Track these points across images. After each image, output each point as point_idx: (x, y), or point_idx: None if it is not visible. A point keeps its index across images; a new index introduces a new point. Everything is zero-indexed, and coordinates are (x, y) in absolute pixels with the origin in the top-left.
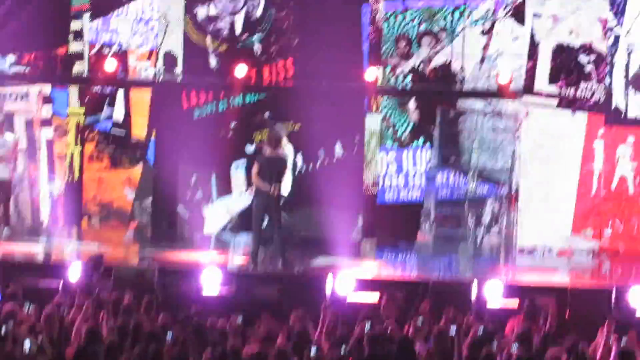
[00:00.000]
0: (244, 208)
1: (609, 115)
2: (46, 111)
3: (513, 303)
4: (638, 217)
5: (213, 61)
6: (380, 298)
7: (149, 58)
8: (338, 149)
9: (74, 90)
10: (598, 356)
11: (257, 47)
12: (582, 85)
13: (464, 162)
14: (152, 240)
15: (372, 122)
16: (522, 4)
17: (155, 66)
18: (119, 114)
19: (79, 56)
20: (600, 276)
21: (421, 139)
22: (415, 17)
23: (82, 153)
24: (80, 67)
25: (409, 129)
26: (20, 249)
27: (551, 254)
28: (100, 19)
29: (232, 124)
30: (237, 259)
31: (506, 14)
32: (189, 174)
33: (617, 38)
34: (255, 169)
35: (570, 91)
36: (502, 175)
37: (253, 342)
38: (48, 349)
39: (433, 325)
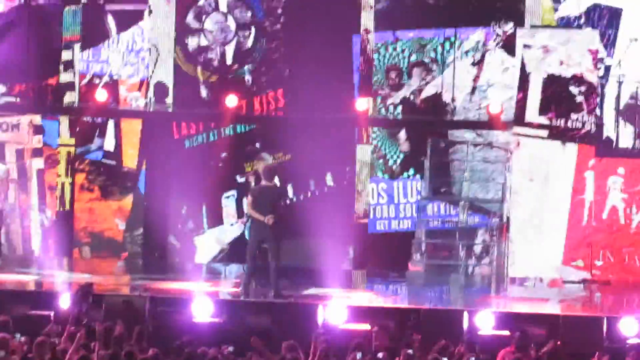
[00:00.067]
0: (235, 238)
1: (600, 146)
2: (37, 141)
3: (504, 333)
4: (629, 247)
5: (204, 91)
6: (372, 328)
7: (139, 88)
8: (329, 180)
9: (64, 121)
10: None
11: (248, 78)
12: (573, 116)
13: (455, 192)
14: (143, 270)
15: (363, 153)
16: (513, 35)
17: (146, 96)
18: (109, 144)
19: (70, 86)
20: (592, 306)
21: (412, 170)
22: (405, 48)
23: (72, 183)
24: (71, 98)
25: (400, 159)
26: (11, 278)
27: (542, 284)
28: (91, 50)
29: (223, 155)
30: (229, 288)
31: (496, 45)
32: (180, 204)
33: (607, 69)
34: (249, 200)
35: (561, 122)
36: (493, 206)
37: None
38: None
39: (424, 357)
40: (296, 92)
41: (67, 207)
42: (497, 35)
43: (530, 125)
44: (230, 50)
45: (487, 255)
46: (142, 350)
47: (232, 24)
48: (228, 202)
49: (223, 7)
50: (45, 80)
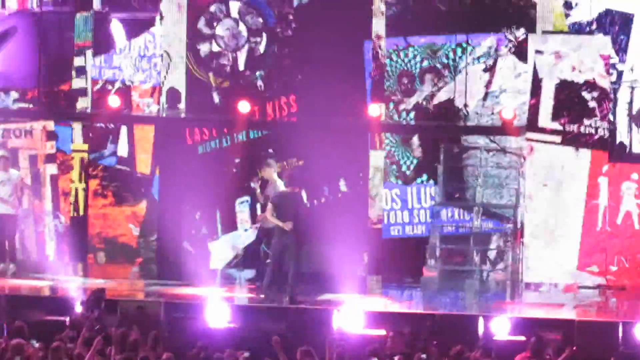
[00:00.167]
0: (249, 244)
1: (613, 151)
2: (50, 147)
3: (520, 338)
4: None
5: (216, 97)
6: (387, 333)
7: (152, 94)
8: (342, 185)
9: (77, 127)
10: None
11: (260, 84)
12: (586, 121)
13: (468, 198)
14: (158, 275)
15: (376, 159)
16: (525, 41)
17: (158, 102)
18: (123, 150)
19: (83, 92)
20: (607, 312)
21: (425, 175)
22: (417, 54)
23: (86, 189)
24: (83, 104)
25: (413, 165)
26: (26, 284)
27: (557, 289)
28: (103, 56)
29: (236, 160)
30: (246, 294)
31: (508, 51)
32: (194, 209)
33: (620, 74)
34: (269, 207)
35: (574, 128)
36: (506, 211)
37: None
38: None
39: None
40: (309, 97)
41: (81, 212)
42: (509, 41)
43: (543, 130)
44: (242, 56)
45: (501, 261)
46: (157, 356)
47: (243, 30)
48: (242, 208)
49: (234, 13)
50: (58, 87)
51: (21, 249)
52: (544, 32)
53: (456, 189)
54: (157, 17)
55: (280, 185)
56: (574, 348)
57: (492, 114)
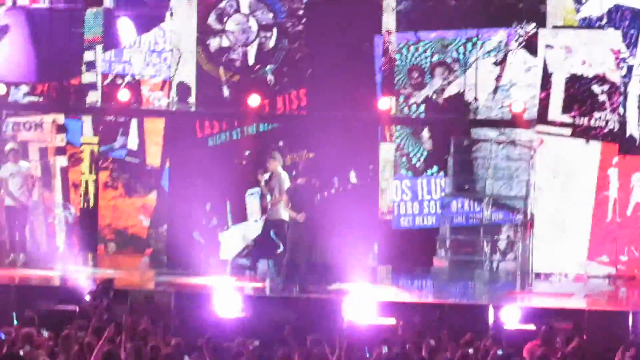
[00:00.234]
0: (259, 234)
1: (623, 143)
2: (60, 140)
3: (530, 327)
4: None
5: (226, 91)
6: (397, 323)
7: (162, 88)
8: (352, 177)
9: (87, 120)
10: None
11: (270, 78)
12: (596, 114)
13: (478, 189)
14: (168, 266)
15: (386, 151)
16: (535, 35)
17: (168, 96)
18: (133, 142)
19: (93, 86)
20: (617, 301)
21: (435, 167)
22: (427, 48)
23: (96, 181)
24: (93, 97)
25: (423, 157)
26: (36, 274)
27: (567, 279)
28: (113, 50)
29: (246, 153)
30: (253, 284)
31: (518, 45)
32: (204, 201)
33: (630, 68)
34: (284, 199)
35: (584, 120)
36: (517, 203)
37: None
38: None
39: (453, 351)
40: (319, 91)
41: (91, 204)
42: (519, 35)
43: (553, 123)
44: (252, 50)
45: (511, 251)
46: (167, 344)
47: (253, 25)
48: (252, 199)
49: (245, 8)
50: (68, 80)
51: (31, 240)
52: (555, 27)
53: (466, 180)
54: (168, 13)
55: (285, 178)
56: (584, 337)
57: (502, 107)
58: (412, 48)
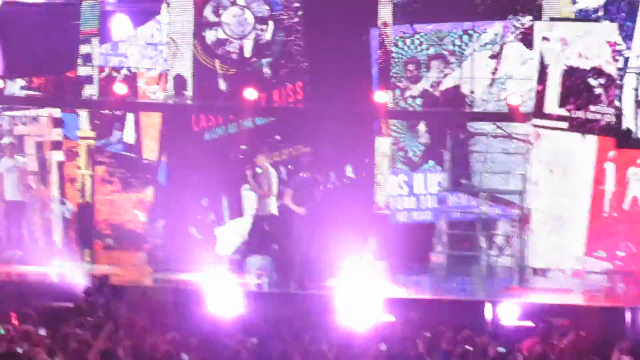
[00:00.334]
0: (249, 230)
1: (620, 137)
2: (57, 134)
3: (528, 324)
4: None
5: (222, 84)
6: (395, 319)
7: (158, 81)
8: (349, 172)
9: (84, 114)
10: None
11: (267, 71)
12: (592, 107)
13: (475, 184)
14: (165, 262)
15: (382, 145)
16: (531, 28)
17: (164, 89)
18: (129, 136)
19: (89, 80)
20: (614, 297)
21: (431, 162)
22: (424, 41)
23: (93, 176)
24: (89, 91)
25: (420, 151)
26: (33, 270)
27: (564, 275)
28: (110, 43)
29: (243, 147)
30: (251, 280)
31: (514, 37)
32: (200, 196)
33: (626, 61)
34: (289, 193)
35: (580, 114)
36: (513, 197)
37: None
38: None
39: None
40: (315, 84)
41: (88, 199)
42: (516, 28)
43: (549, 117)
44: (248, 43)
45: (508, 247)
46: (165, 341)
47: (250, 17)
48: (248, 194)
49: (241, 1)
50: (64, 74)
51: (28, 236)
52: (551, 19)
53: (463, 175)
54: (164, 5)
55: (273, 173)
56: (579, 332)
57: (499, 100)
58: (408, 40)
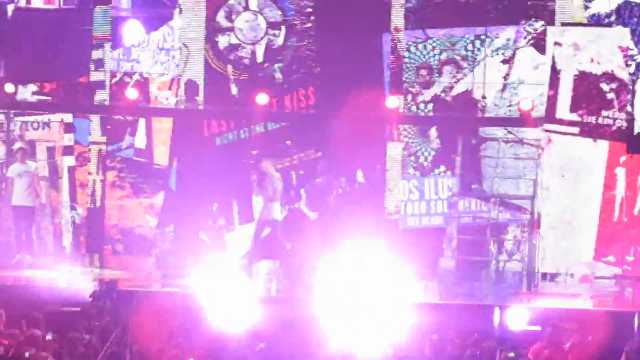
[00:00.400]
0: (266, 235)
1: (631, 142)
2: (68, 139)
3: (536, 328)
4: None
5: (234, 89)
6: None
7: (170, 87)
8: (360, 177)
9: (95, 119)
10: None
11: (279, 76)
12: (604, 113)
13: (486, 189)
14: (175, 266)
15: (394, 150)
16: (543, 32)
17: (176, 95)
18: (140, 141)
19: (101, 85)
20: (623, 302)
21: (442, 167)
22: (436, 46)
23: (104, 181)
24: (101, 96)
25: (431, 156)
26: (43, 275)
27: (574, 279)
28: (121, 49)
29: (254, 152)
30: (260, 284)
31: (527, 42)
32: (211, 201)
33: (638, 66)
34: (303, 197)
35: (592, 119)
36: (524, 202)
37: None
38: None
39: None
40: (327, 90)
41: (99, 204)
42: (528, 33)
43: (561, 122)
44: (260, 48)
45: (518, 251)
46: (172, 347)
47: (262, 22)
48: (259, 199)
49: (253, 6)
50: (76, 79)
51: (38, 241)
52: (563, 24)
53: (474, 180)
54: (176, 10)
55: (278, 179)
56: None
57: (510, 105)
58: (420, 46)
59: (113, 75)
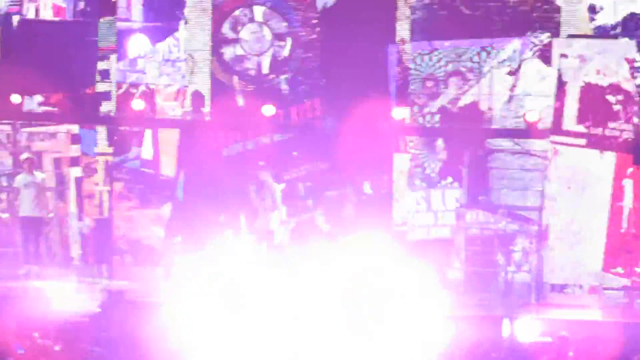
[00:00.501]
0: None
1: (638, 154)
2: (74, 150)
3: (545, 339)
4: None
5: (240, 100)
6: None
7: (176, 98)
8: (367, 188)
9: (102, 130)
10: None
11: (285, 87)
12: (610, 124)
13: (493, 200)
14: (182, 277)
15: (401, 162)
16: (549, 44)
17: (182, 106)
18: (147, 152)
19: (107, 96)
20: (632, 313)
21: (450, 178)
22: (442, 58)
23: (111, 192)
24: (107, 107)
25: (438, 168)
26: (51, 286)
27: (582, 291)
28: (127, 60)
29: (261, 163)
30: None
31: (533, 54)
32: (218, 212)
33: None
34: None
35: (599, 130)
36: (531, 213)
37: None
38: None
39: None
40: (333, 101)
41: (106, 215)
42: (534, 44)
43: (567, 133)
44: (266, 60)
45: (526, 263)
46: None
47: (268, 34)
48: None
49: (259, 17)
50: (82, 90)
51: (46, 252)
52: (569, 36)
53: (480, 191)
54: (182, 22)
55: (277, 188)
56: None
57: (517, 117)
58: (426, 57)
59: (119, 86)
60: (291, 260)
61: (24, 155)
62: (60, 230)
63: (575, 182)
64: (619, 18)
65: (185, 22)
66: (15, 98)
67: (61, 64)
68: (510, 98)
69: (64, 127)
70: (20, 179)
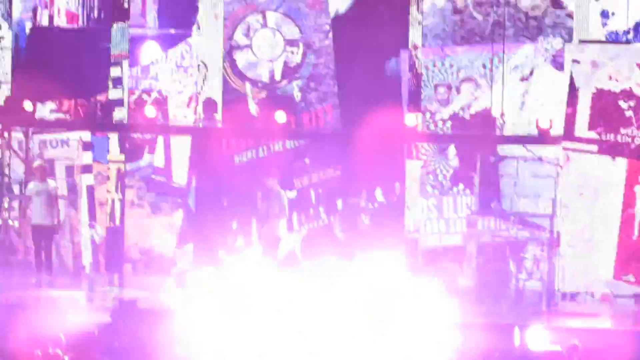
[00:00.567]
0: (287, 253)
1: None
2: (87, 158)
3: (556, 348)
4: None
5: (252, 107)
6: None
7: (188, 105)
8: (379, 195)
9: (114, 137)
10: None
11: (297, 94)
12: (622, 130)
13: (504, 207)
14: (194, 285)
15: (413, 169)
16: (561, 50)
17: (195, 112)
18: (159, 160)
19: (119, 103)
20: None
21: (461, 185)
22: (454, 64)
23: (122, 199)
24: (120, 114)
25: (449, 175)
26: (62, 295)
27: (593, 298)
28: (140, 66)
29: (273, 170)
30: None
31: (545, 60)
32: (230, 219)
33: None
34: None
35: (610, 137)
36: (542, 220)
37: None
38: None
39: None
40: (345, 107)
41: (118, 223)
42: (546, 50)
43: (579, 140)
44: (278, 66)
45: (537, 270)
46: None
47: (280, 40)
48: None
49: (271, 23)
50: (95, 97)
51: (57, 260)
52: (581, 42)
53: (492, 198)
54: (194, 28)
55: (284, 195)
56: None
57: (529, 123)
58: (438, 63)
59: (131, 93)
60: (303, 269)
61: (36, 163)
62: (71, 239)
63: (587, 189)
64: (631, 23)
65: (198, 28)
66: (27, 105)
67: (74, 71)
68: (522, 104)
69: (76, 135)
70: (32, 187)
